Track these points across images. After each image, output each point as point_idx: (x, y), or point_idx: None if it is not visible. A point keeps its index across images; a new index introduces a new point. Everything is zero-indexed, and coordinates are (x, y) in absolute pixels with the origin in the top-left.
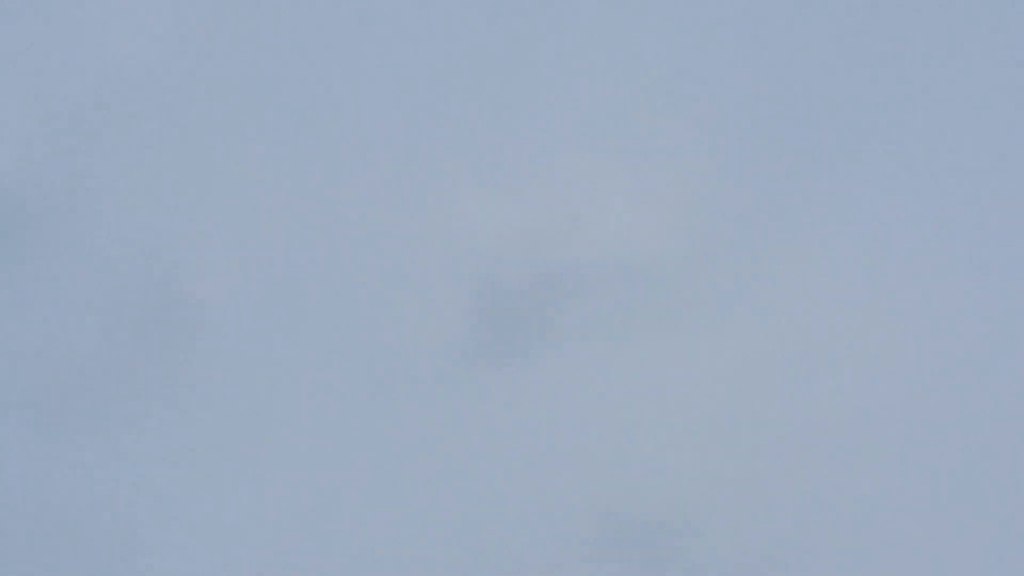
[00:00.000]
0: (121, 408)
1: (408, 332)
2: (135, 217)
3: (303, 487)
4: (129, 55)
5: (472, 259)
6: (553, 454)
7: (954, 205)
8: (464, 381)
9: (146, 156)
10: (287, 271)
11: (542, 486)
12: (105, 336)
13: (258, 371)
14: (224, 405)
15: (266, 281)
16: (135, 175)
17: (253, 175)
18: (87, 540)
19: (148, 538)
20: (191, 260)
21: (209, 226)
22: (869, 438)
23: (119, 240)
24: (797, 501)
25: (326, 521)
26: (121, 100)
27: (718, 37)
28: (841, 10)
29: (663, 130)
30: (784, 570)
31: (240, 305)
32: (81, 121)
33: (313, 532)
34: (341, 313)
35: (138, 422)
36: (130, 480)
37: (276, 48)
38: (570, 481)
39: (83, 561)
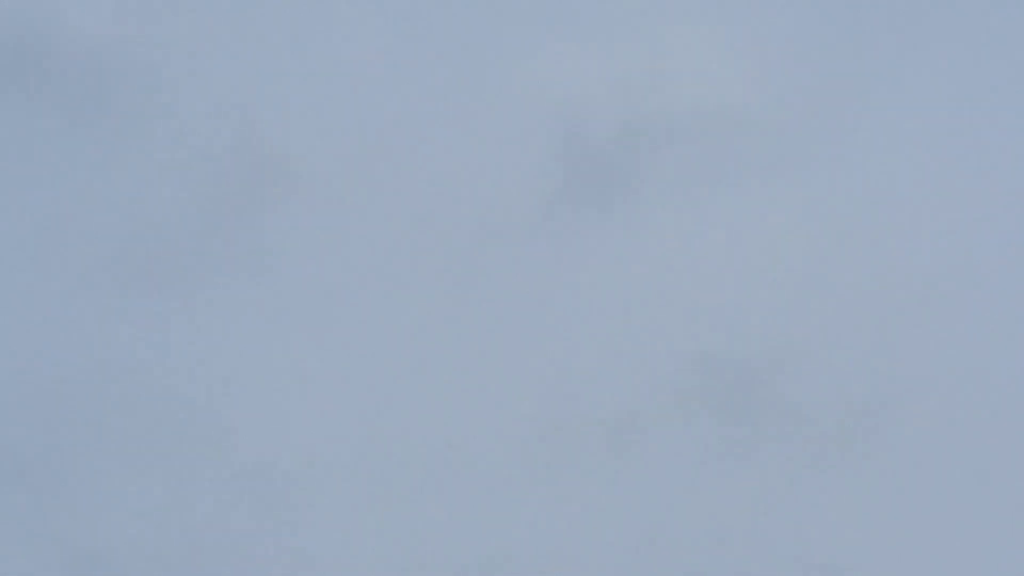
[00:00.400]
0: (208, 268)
1: (496, 183)
2: (223, 78)
3: (391, 343)
4: None
5: (559, 110)
6: (643, 302)
7: None
8: (552, 231)
9: (234, 16)
10: (374, 128)
11: (634, 333)
12: (193, 196)
13: (345, 229)
14: (312, 263)
15: (353, 139)
16: (223, 35)
17: (339, 32)
18: (175, 400)
19: (235, 397)
20: (278, 120)
21: (297, 86)
22: (962, 284)
23: (207, 100)
24: (892, 345)
25: (416, 377)
26: None
27: None
28: None
29: None
30: (879, 412)
31: (327, 163)
32: None
33: (402, 388)
34: (428, 166)
35: (225, 282)
36: (217, 340)
37: None
38: (662, 327)
39: (170, 420)
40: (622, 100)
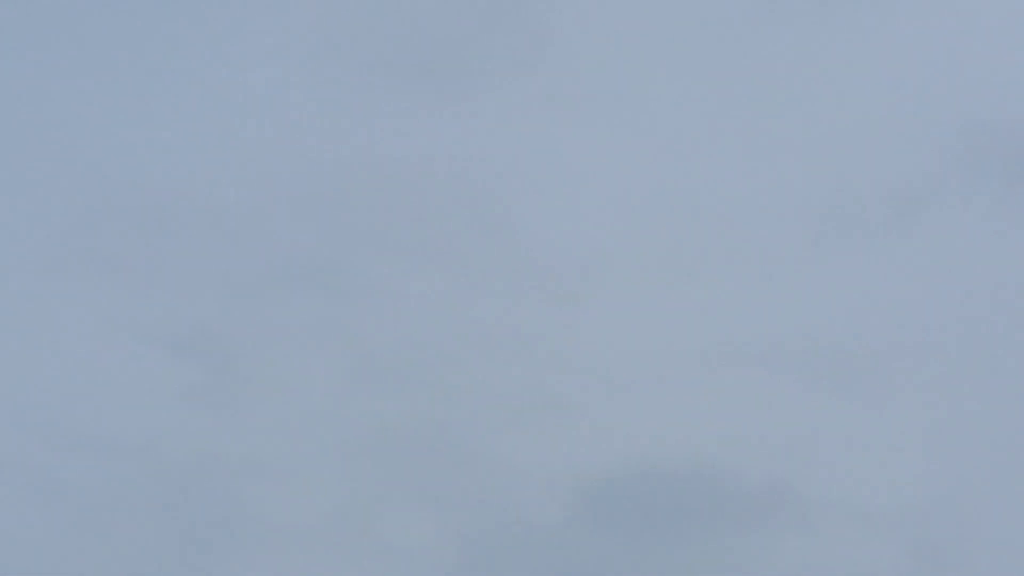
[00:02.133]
0: (489, 63)
1: None
2: None
3: (671, 127)
4: None
5: None
6: (918, 73)
7: None
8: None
9: None
10: None
11: (909, 105)
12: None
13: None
14: (588, 50)
15: None
16: None
17: None
18: (461, 197)
19: (519, 191)
20: None
21: None
22: None
23: None
24: None
25: (695, 158)
26: None
27: None
28: None
29: None
30: None
31: None
32: None
33: (681, 171)
34: None
35: (506, 77)
36: (500, 135)
37: None
38: (937, 98)
39: (456, 217)
40: None
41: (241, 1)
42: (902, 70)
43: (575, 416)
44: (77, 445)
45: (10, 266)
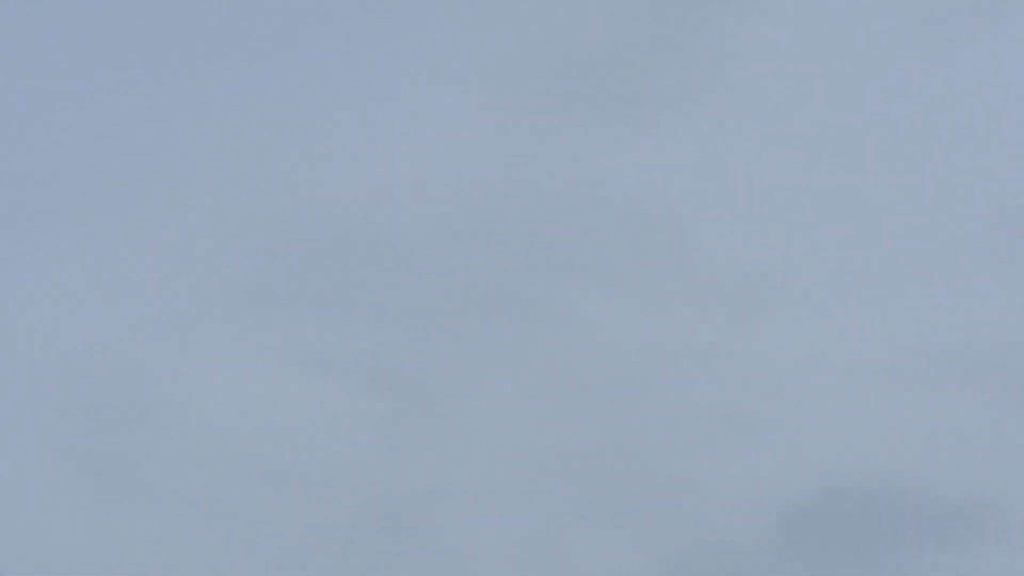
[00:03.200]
0: (662, 87)
1: None
2: None
3: (851, 148)
4: None
5: None
6: None
7: None
8: None
9: None
10: None
11: None
12: (645, 11)
13: (789, 50)
14: (763, 80)
15: None
16: None
17: None
18: (640, 219)
19: (699, 213)
20: None
21: None
22: None
23: None
24: None
25: (871, 178)
26: None
27: None
28: None
29: None
30: None
31: None
32: None
33: (859, 190)
34: None
35: (679, 100)
36: (677, 158)
37: None
38: None
39: (636, 239)
40: None
41: (419, 33)
42: None
43: (766, 434)
44: (272, 479)
45: (202, 305)
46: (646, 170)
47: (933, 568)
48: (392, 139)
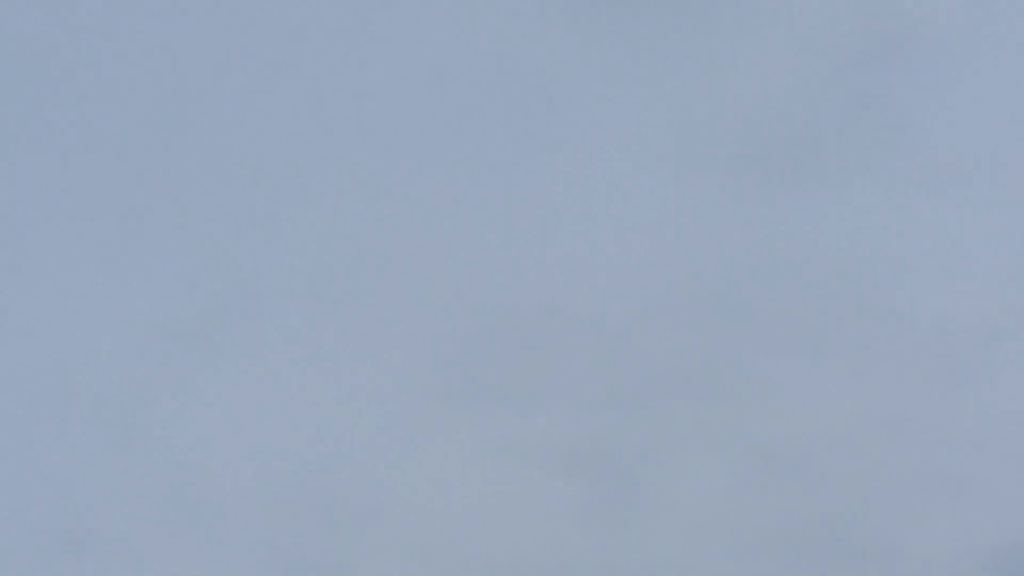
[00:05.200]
0: (842, 151)
1: None
2: None
3: None
4: None
5: None
6: None
7: None
8: None
9: None
10: None
11: None
12: (826, 77)
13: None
14: (951, 135)
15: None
16: None
17: None
18: (837, 287)
19: (898, 276)
20: None
21: None
22: None
23: None
24: None
25: None
26: None
27: None
28: None
29: None
30: None
31: (956, 24)
32: None
33: None
34: None
35: (863, 163)
36: (871, 221)
37: None
38: None
39: (838, 306)
40: None
41: (605, 113)
42: None
43: (983, 498)
44: (475, 566)
45: (394, 397)
46: (839, 235)
47: None
48: (584, 224)
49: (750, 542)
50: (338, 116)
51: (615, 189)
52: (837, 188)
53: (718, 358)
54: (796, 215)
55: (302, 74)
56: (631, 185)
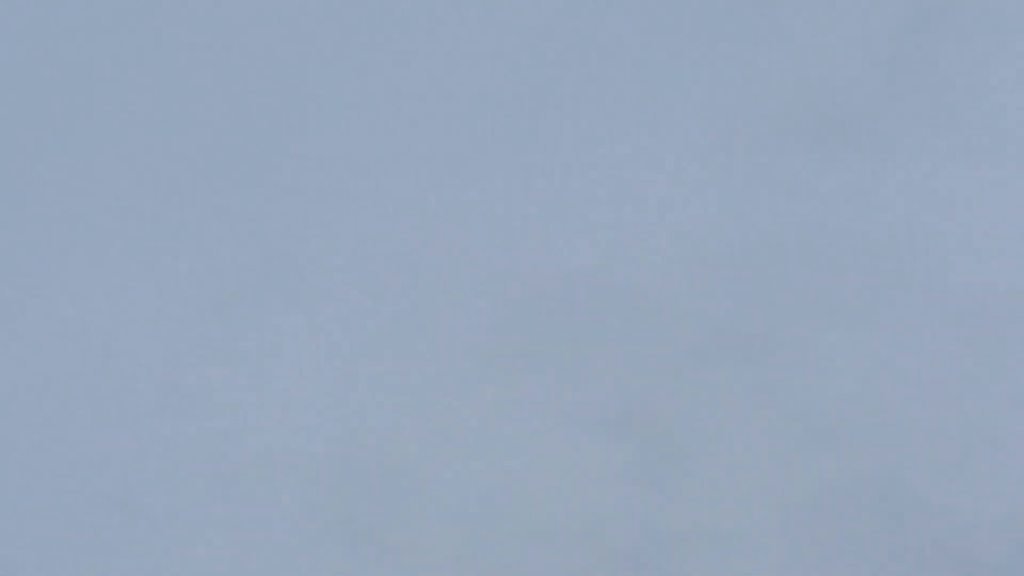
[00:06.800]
0: (886, 120)
1: None
2: None
3: None
4: None
5: None
6: None
7: None
8: None
9: None
10: None
11: None
12: (872, 45)
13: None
14: (1001, 102)
15: None
16: None
17: None
18: (878, 256)
19: (934, 243)
20: None
21: None
22: None
23: None
24: None
25: None
26: None
27: None
28: None
29: None
30: None
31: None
32: None
33: None
34: None
35: (907, 132)
36: (908, 191)
37: None
38: None
39: (879, 274)
40: None
41: (640, 86)
42: None
43: (1016, 456)
44: (521, 532)
45: (439, 363)
46: (882, 203)
47: None
48: (628, 190)
49: (791, 503)
50: (389, 88)
51: (661, 156)
52: (880, 156)
53: (763, 324)
54: (839, 182)
55: (361, 45)
56: (677, 152)
